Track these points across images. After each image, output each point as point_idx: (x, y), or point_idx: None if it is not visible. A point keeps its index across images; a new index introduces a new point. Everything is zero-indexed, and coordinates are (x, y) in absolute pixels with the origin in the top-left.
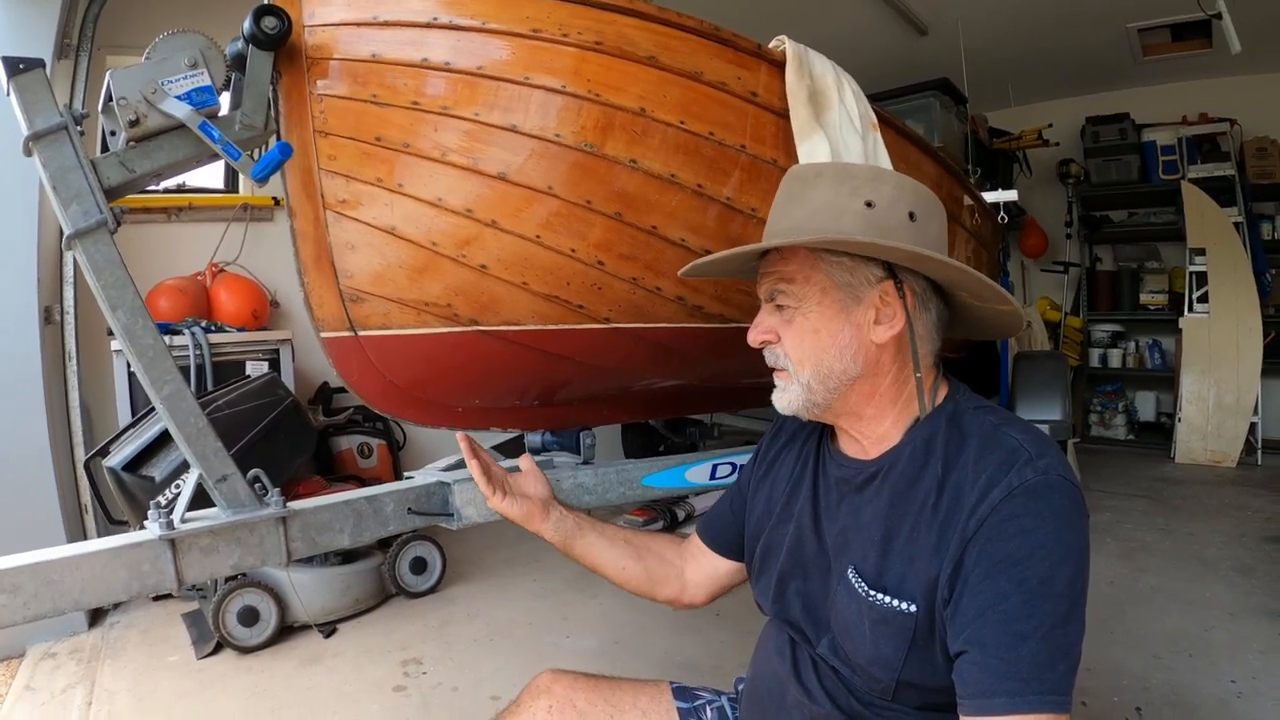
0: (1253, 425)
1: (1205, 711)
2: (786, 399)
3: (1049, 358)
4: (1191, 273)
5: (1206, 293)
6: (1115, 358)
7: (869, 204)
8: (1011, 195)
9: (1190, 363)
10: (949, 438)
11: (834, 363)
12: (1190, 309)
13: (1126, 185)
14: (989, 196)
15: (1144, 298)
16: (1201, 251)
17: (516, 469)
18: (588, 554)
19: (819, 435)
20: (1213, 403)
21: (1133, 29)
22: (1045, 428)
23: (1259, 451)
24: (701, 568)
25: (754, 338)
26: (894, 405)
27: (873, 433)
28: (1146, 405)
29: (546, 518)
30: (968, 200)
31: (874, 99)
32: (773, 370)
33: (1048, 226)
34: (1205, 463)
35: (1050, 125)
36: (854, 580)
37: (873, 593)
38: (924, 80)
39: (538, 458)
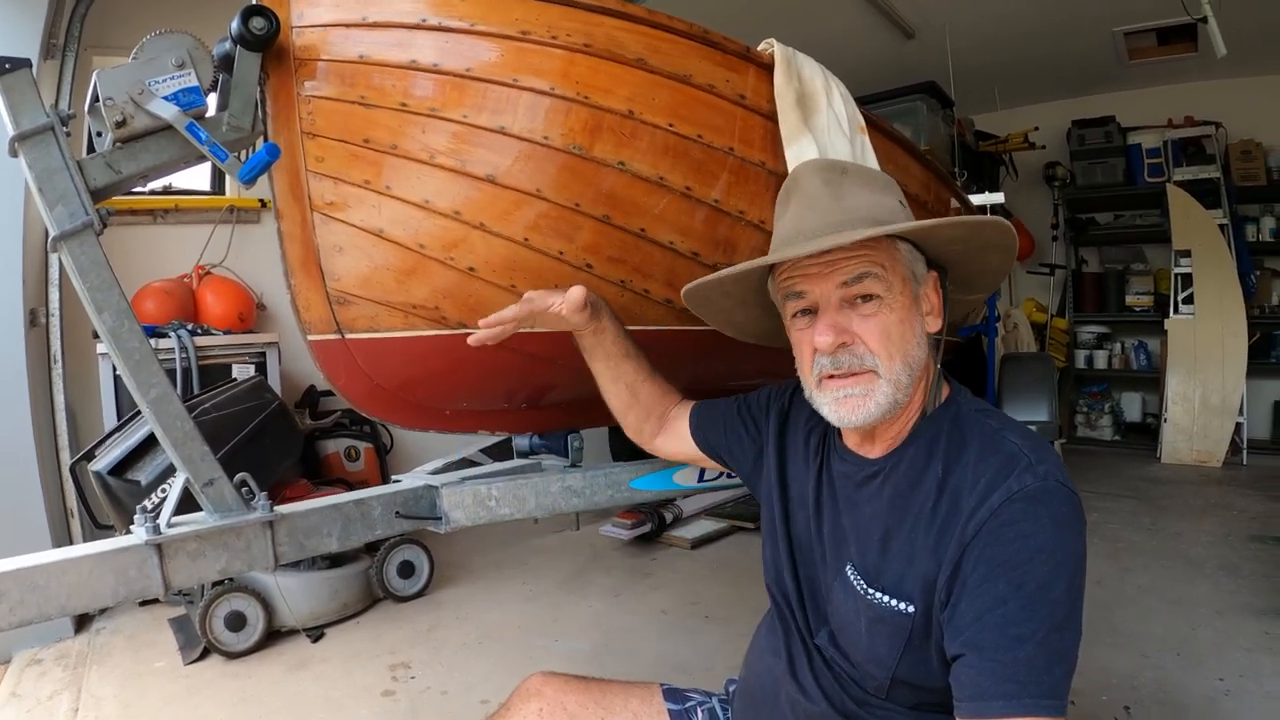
0: (1238, 425)
1: (1193, 710)
2: (872, 404)
3: (1035, 359)
4: (1177, 274)
5: (1192, 294)
6: (1101, 359)
7: (900, 202)
8: (998, 198)
9: (1176, 364)
10: (950, 441)
11: (916, 353)
12: (1176, 310)
13: (1112, 188)
14: (975, 199)
15: (1130, 299)
16: (1187, 253)
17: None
18: (593, 370)
19: (825, 423)
20: (1198, 403)
21: (1119, 33)
22: (1032, 429)
23: (1244, 451)
24: (674, 438)
25: (831, 340)
26: (916, 401)
27: (893, 431)
28: (1132, 406)
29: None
30: (954, 203)
31: (861, 102)
32: (834, 377)
33: (1034, 229)
34: (1191, 463)
35: (1036, 128)
36: (852, 577)
37: (870, 591)
38: (911, 83)
39: (526, 460)
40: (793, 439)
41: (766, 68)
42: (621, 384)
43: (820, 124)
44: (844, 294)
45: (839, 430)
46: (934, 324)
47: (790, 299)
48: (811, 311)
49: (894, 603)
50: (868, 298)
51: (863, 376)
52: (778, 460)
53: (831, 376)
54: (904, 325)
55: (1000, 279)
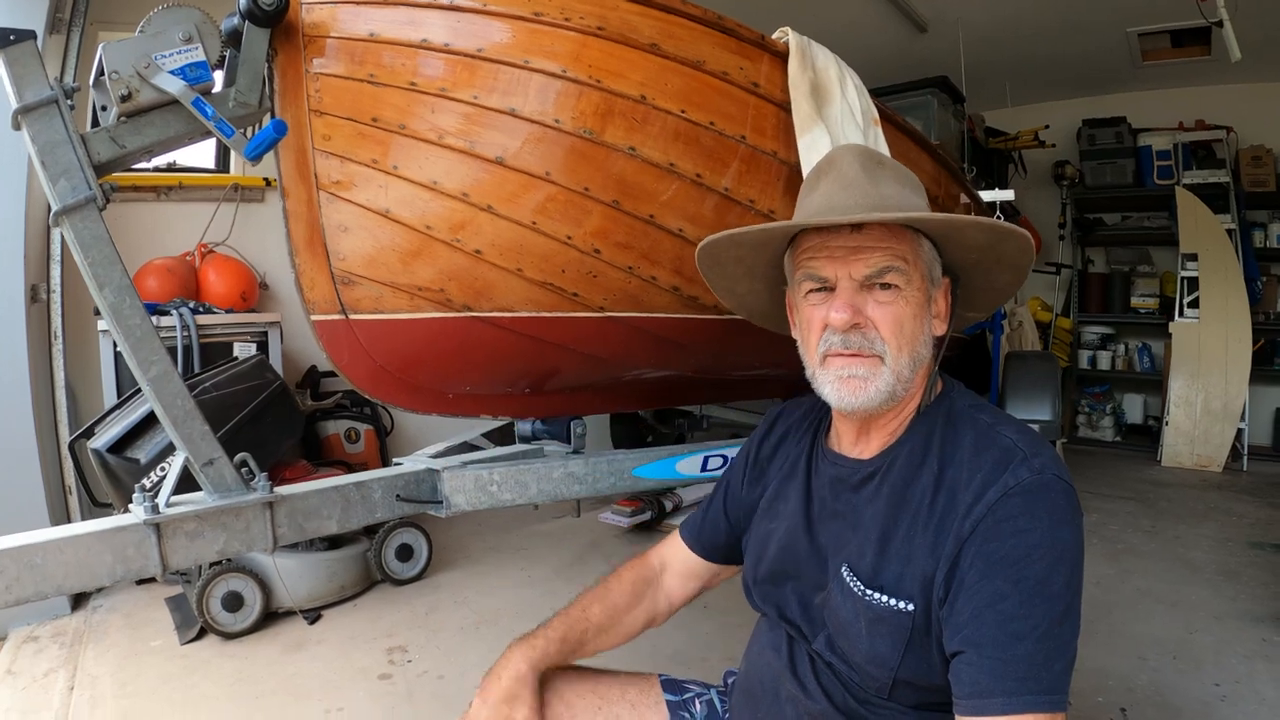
0: (1239, 431)
1: (1189, 714)
2: (873, 388)
3: (1040, 358)
4: (1183, 278)
5: (1197, 298)
6: (1104, 360)
7: (927, 205)
8: (1008, 195)
9: (1179, 367)
10: (945, 437)
11: (922, 349)
12: (1181, 314)
13: (1121, 189)
14: (985, 196)
15: (1135, 301)
16: (1194, 257)
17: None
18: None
19: (813, 432)
20: (1200, 408)
21: (1132, 33)
22: (1034, 428)
23: (1245, 457)
24: (688, 581)
25: (847, 318)
26: (914, 399)
27: (889, 426)
28: (1134, 408)
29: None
30: (964, 198)
31: (872, 94)
32: (841, 356)
33: (1041, 228)
34: (1191, 467)
35: (1047, 126)
36: (849, 579)
37: (869, 592)
38: (923, 78)
39: (528, 446)
40: (774, 467)
41: (781, 56)
42: (605, 638)
43: (834, 114)
44: (864, 278)
45: (827, 436)
46: (939, 328)
47: (808, 278)
48: (828, 289)
49: (893, 602)
50: (886, 286)
51: (869, 359)
52: (752, 489)
53: (838, 354)
54: (916, 320)
55: (1001, 301)
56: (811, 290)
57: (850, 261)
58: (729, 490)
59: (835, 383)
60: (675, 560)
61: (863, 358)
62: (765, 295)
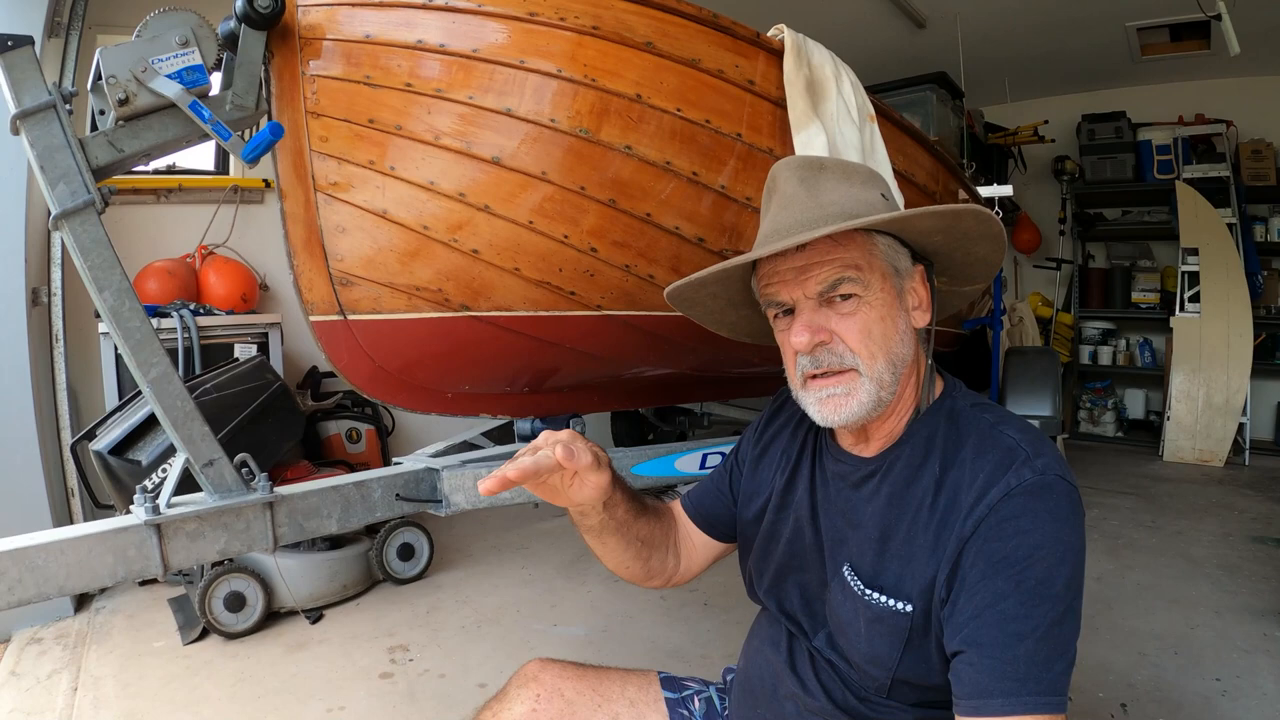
0: (1241, 426)
1: (1189, 709)
2: (855, 402)
3: (1040, 354)
4: (1184, 272)
5: (1198, 293)
6: (1106, 355)
7: (883, 195)
8: (1007, 190)
9: (1180, 362)
10: (947, 437)
11: (901, 350)
12: (1182, 308)
13: (1121, 183)
14: (984, 191)
15: (1136, 296)
16: (1194, 251)
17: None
18: (599, 549)
19: (815, 426)
20: (1202, 402)
21: (1131, 28)
22: (1035, 424)
23: (1246, 452)
24: (698, 551)
25: (808, 339)
26: (908, 397)
27: (886, 429)
28: (1136, 403)
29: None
30: (963, 195)
31: (871, 91)
32: (817, 377)
33: (1041, 223)
34: (1193, 462)
35: (1046, 122)
36: (850, 578)
37: (869, 592)
38: (921, 73)
39: (527, 444)
40: (777, 450)
41: (776, 53)
42: (635, 542)
43: (830, 111)
44: (819, 294)
45: (831, 431)
46: (921, 318)
47: (769, 305)
48: (791, 312)
49: (892, 603)
50: (846, 296)
51: (844, 375)
52: (754, 469)
53: (814, 376)
54: (885, 322)
55: (993, 268)
56: (777, 315)
57: (802, 282)
58: (735, 465)
59: (817, 404)
60: (685, 528)
61: (838, 375)
62: (757, 318)
